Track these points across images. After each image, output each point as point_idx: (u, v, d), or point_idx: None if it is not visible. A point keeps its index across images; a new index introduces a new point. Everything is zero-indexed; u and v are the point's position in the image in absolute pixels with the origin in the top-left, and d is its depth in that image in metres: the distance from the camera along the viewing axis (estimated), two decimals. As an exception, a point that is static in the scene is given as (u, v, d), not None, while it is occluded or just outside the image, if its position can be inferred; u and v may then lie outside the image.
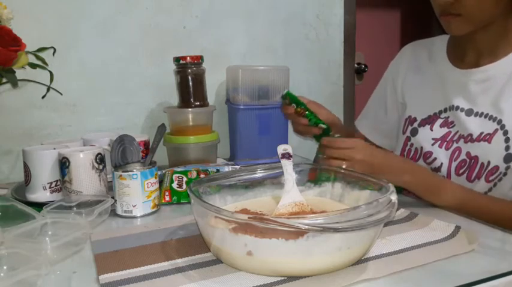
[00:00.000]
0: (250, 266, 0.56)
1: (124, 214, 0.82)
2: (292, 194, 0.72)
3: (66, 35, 1.16)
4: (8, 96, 1.11)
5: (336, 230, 0.52)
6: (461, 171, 0.87)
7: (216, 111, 1.26)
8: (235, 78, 1.21)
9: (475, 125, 0.86)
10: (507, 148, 0.81)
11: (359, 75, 2.14)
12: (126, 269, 0.59)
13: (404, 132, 0.98)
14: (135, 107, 1.26)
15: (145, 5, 1.24)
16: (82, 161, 0.85)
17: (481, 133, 0.84)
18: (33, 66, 0.91)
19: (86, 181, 0.85)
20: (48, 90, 0.97)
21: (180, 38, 1.28)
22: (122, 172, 0.81)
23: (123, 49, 1.23)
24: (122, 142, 0.88)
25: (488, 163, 0.83)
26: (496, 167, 0.82)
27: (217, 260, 0.61)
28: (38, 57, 0.93)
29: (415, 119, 0.97)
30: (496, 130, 0.83)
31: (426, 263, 0.59)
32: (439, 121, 0.92)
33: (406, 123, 0.99)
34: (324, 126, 0.93)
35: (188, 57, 1.12)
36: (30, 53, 0.92)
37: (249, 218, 0.53)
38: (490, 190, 0.83)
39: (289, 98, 0.93)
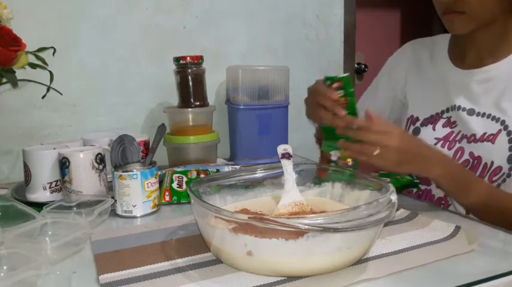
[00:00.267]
0: (250, 266, 0.56)
1: (124, 214, 0.82)
2: (292, 194, 0.72)
3: (66, 35, 1.16)
4: (8, 96, 1.11)
5: (336, 230, 0.52)
6: None
7: (216, 111, 1.26)
8: (235, 78, 1.21)
9: (478, 126, 0.86)
10: (511, 149, 0.81)
11: (359, 75, 2.14)
12: (126, 269, 0.59)
13: None
14: (135, 107, 1.26)
15: (145, 5, 1.24)
16: (82, 161, 0.85)
17: (484, 133, 0.84)
18: (33, 66, 0.91)
19: (86, 181, 0.85)
20: (48, 90, 0.97)
21: (180, 38, 1.28)
22: (122, 172, 0.81)
23: (123, 49, 1.23)
24: (122, 142, 0.88)
25: (492, 163, 0.83)
26: (500, 168, 0.82)
27: (217, 260, 0.61)
28: (38, 57, 0.93)
29: (417, 119, 0.97)
30: (500, 131, 0.83)
31: (426, 263, 0.59)
32: (442, 121, 0.92)
33: (408, 122, 0.99)
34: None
35: (188, 57, 1.12)
36: (30, 53, 0.92)
37: (249, 218, 0.53)
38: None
39: (343, 83, 0.79)
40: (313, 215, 0.61)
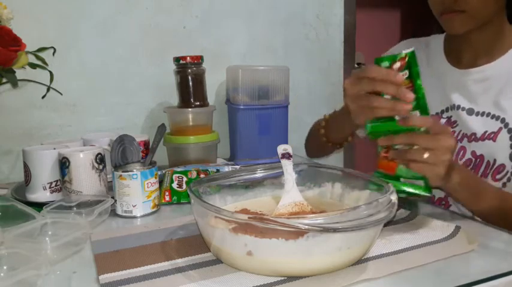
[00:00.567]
0: (250, 266, 0.56)
1: (124, 214, 0.82)
2: (292, 194, 0.72)
3: (66, 35, 1.16)
4: (8, 96, 1.11)
5: (336, 230, 0.52)
6: None
7: (216, 111, 1.26)
8: (235, 78, 1.21)
9: (478, 124, 0.86)
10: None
11: (359, 75, 2.14)
12: (126, 269, 0.59)
13: None
14: (135, 107, 1.26)
15: (145, 5, 1.24)
16: (82, 161, 0.85)
17: (485, 132, 0.84)
18: (33, 66, 0.91)
19: (86, 181, 0.85)
20: (48, 90, 0.97)
21: (180, 38, 1.28)
22: (122, 172, 0.81)
23: (123, 49, 1.23)
24: (122, 142, 0.88)
25: (494, 161, 0.83)
26: (503, 166, 0.82)
27: (217, 260, 0.61)
28: (38, 57, 0.93)
29: None
30: (500, 129, 0.83)
31: (426, 263, 0.59)
32: (442, 121, 0.92)
33: None
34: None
35: (188, 57, 1.12)
36: (30, 53, 0.92)
37: (249, 218, 0.53)
38: None
39: (408, 61, 0.64)
40: (313, 215, 0.61)
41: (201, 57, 1.14)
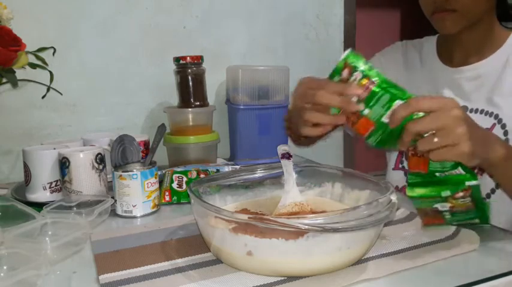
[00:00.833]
0: (250, 266, 0.56)
1: (124, 214, 0.82)
2: (292, 194, 0.72)
3: (66, 35, 1.16)
4: (8, 96, 1.11)
5: (336, 230, 0.52)
6: None
7: (216, 111, 1.26)
8: (235, 78, 1.21)
9: None
10: (506, 141, 0.82)
11: (359, 75, 2.14)
12: (126, 269, 0.59)
13: None
14: (135, 107, 1.26)
15: (145, 5, 1.24)
16: (82, 161, 0.85)
17: None
18: (33, 66, 0.91)
19: (86, 181, 0.85)
20: (48, 90, 0.97)
21: (180, 38, 1.28)
22: (122, 172, 0.81)
23: (123, 49, 1.23)
24: (122, 142, 0.88)
25: None
26: None
27: (217, 260, 0.61)
28: (38, 57, 0.93)
29: None
30: (494, 125, 0.84)
31: (426, 263, 0.59)
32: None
33: None
34: None
35: (188, 57, 1.12)
36: (30, 53, 0.92)
37: (249, 218, 0.53)
38: (497, 185, 0.83)
39: (351, 61, 0.61)
40: (313, 215, 0.61)
41: (201, 57, 1.14)
